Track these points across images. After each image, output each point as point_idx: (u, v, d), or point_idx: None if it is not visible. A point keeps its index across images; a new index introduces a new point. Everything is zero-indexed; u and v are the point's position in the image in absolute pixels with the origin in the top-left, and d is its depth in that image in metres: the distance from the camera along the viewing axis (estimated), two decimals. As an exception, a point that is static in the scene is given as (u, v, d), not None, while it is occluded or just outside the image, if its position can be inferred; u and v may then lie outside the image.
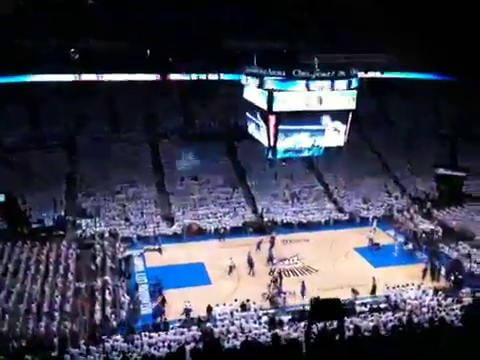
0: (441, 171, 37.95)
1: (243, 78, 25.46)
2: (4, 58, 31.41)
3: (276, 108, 22.88)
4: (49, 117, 38.02)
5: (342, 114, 24.14)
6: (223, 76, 39.07)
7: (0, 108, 36.12)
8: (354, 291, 24.06)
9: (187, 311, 22.34)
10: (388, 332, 18.96)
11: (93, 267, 26.63)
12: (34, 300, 23.03)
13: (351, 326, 19.87)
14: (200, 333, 20.43)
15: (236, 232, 32.69)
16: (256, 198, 36.60)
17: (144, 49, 37.05)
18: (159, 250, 29.84)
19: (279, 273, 26.13)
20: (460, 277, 25.51)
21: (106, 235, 30.79)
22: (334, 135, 24.49)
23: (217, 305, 22.61)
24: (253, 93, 24.45)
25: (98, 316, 22.04)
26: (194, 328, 20.95)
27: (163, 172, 38.27)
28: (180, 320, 22.18)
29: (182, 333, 20.46)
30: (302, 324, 20.04)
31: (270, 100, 22.81)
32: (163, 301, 23.33)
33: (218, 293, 24.32)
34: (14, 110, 37.47)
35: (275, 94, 22.71)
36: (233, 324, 21.17)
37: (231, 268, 27.05)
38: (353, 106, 23.98)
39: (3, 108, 36.39)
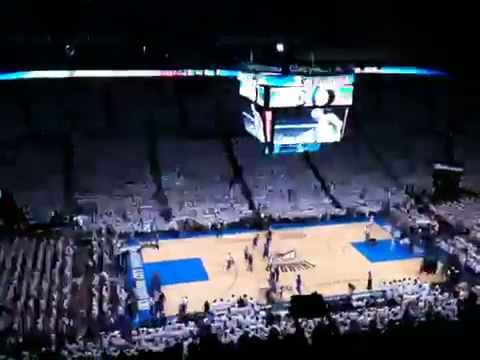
0: (438, 166, 38.04)
1: (239, 74, 25.43)
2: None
3: (272, 104, 22.79)
4: (44, 114, 37.83)
5: (339, 110, 24.12)
6: (219, 72, 39.02)
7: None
8: (351, 286, 24.16)
9: (183, 307, 22.35)
10: (385, 327, 19.05)
11: (90, 263, 26.63)
12: (31, 296, 23.00)
13: (348, 321, 19.97)
14: (197, 328, 20.49)
15: (233, 228, 32.73)
16: (253, 194, 36.67)
17: (140, 45, 36.92)
18: (156, 246, 29.90)
19: (276, 269, 26.22)
20: (457, 272, 25.60)
21: (103, 231, 30.82)
22: (331, 131, 24.50)
23: (214, 301, 22.67)
24: (249, 89, 24.33)
25: (95, 312, 22.05)
26: (191, 324, 21.00)
27: (159, 168, 38.23)
28: (177, 315, 22.23)
29: (179, 328, 20.51)
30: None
31: (266, 96, 22.71)
32: (162, 297, 23.35)
33: (216, 288, 24.36)
34: (9, 107, 37.25)
35: (271, 90, 22.65)
36: (230, 319, 21.23)
37: (229, 263, 27.11)
38: (350, 102, 23.96)
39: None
